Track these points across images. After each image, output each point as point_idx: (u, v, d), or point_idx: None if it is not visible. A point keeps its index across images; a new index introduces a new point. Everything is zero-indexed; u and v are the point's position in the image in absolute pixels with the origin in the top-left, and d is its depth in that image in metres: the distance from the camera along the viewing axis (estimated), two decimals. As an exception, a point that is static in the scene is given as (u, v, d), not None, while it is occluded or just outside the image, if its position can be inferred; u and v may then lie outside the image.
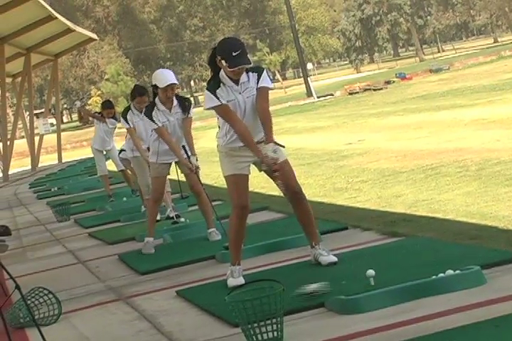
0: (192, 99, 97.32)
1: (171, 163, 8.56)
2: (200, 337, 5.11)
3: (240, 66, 5.86)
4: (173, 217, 10.07)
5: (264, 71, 6.14)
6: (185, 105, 8.26)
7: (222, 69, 5.98)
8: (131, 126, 10.31)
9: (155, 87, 8.12)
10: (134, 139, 10.44)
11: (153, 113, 8.07)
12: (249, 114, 6.05)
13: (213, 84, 5.99)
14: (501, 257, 5.57)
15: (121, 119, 10.51)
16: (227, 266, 6.29)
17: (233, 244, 6.30)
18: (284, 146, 6.16)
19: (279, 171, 6.04)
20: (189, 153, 8.27)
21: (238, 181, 6.29)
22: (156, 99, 8.17)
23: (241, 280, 6.01)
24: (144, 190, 10.57)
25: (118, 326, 5.83)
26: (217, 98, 5.93)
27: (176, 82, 8.12)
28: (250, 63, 5.94)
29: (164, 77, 8.09)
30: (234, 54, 5.81)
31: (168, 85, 8.03)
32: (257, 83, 6.00)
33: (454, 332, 4.21)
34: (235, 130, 5.99)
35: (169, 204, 10.57)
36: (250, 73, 6.05)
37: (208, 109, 6.06)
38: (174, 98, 8.19)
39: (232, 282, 6.07)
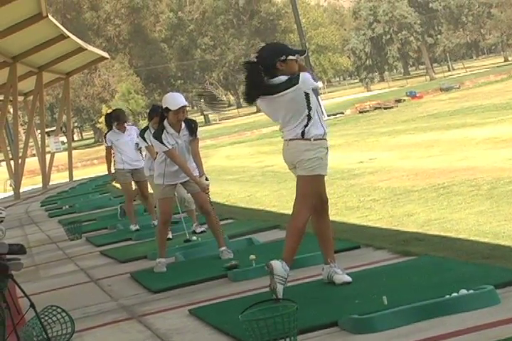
0: (202, 117, 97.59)
1: (176, 184, 8.59)
2: (213, 356, 5.10)
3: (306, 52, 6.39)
4: (201, 232, 10.41)
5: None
6: (191, 127, 8.34)
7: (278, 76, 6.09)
8: (150, 144, 10.49)
9: (166, 109, 8.19)
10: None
11: (163, 135, 8.14)
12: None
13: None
14: (515, 277, 5.56)
15: (139, 138, 11.24)
16: (240, 285, 6.27)
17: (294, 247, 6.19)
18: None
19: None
20: (199, 173, 8.33)
21: (323, 182, 6.31)
22: (165, 122, 8.24)
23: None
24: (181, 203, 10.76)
25: (131, 345, 5.83)
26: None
27: (187, 104, 8.19)
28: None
29: (175, 99, 8.17)
30: (290, 46, 6.39)
31: (181, 108, 8.10)
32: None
33: (468, 351, 4.20)
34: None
35: (195, 220, 10.72)
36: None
37: (316, 82, 6.35)
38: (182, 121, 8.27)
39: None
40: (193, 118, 8.71)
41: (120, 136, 12.18)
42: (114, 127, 12.22)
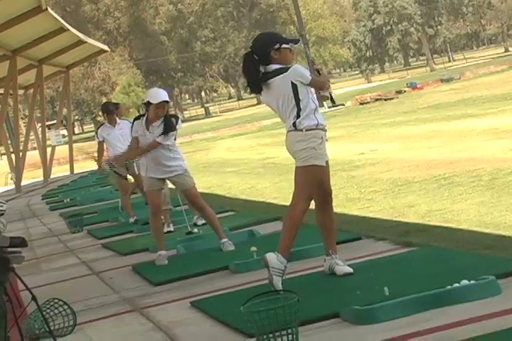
0: (203, 109, 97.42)
1: (162, 179, 8.58)
2: (215, 347, 5.11)
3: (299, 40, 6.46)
4: (202, 225, 10.34)
5: None
6: (169, 125, 8.33)
7: (272, 64, 6.16)
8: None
9: (147, 103, 8.24)
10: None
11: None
12: None
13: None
14: (516, 267, 5.56)
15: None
16: (242, 277, 6.27)
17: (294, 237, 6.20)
18: None
19: None
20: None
21: (320, 172, 6.23)
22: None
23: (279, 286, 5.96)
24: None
25: (133, 337, 5.84)
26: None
27: (168, 100, 8.24)
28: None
29: (158, 94, 8.27)
30: (283, 35, 6.48)
31: (161, 102, 8.14)
32: None
33: (470, 342, 4.21)
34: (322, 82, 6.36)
35: (195, 212, 10.69)
36: None
37: (312, 76, 6.22)
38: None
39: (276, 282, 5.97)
40: (176, 115, 8.81)
41: (111, 130, 12.22)
42: (105, 122, 12.32)
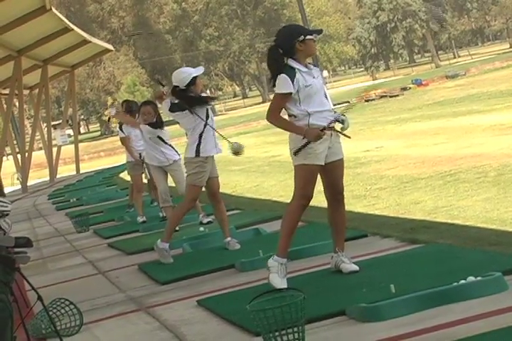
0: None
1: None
2: (221, 346, 5.11)
3: (321, 32, 6.37)
4: (207, 223, 10.43)
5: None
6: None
7: (290, 59, 6.10)
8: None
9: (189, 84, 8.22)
10: None
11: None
12: (322, 95, 6.22)
13: (289, 71, 6.08)
14: (522, 263, 5.55)
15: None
16: (247, 275, 6.27)
17: (288, 235, 6.21)
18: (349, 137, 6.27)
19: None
20: None
21: (315, 172, 6.15)
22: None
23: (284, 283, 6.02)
24: (161, 197, 10.51)
25: (139, 336, 5.84)
26: (293, 86, 6.04)
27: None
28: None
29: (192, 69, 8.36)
30: (306, 26, 6.17)
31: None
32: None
33: (476, 339, 4.20)
34: (271, 118, 6.13)
35: (200, 210, 10.69)
36: (312, 65, 6.29)
37: (280, 93, 6.09)
38: None
39: (278, 283, 5.99)
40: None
41: (131, 128, 12.19)
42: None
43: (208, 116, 8.29)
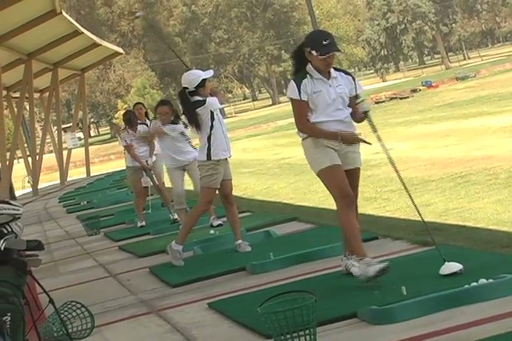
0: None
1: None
2: (233, 348, 5.11)
3: (330, 53, 6.00)
4: (217, 225, 10.42)
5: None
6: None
7: (309, 63, 6.07)
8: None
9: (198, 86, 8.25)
10: None
11: None
12: (337, 105, 6.09)
13: (300, 75, 6.07)
14: (534, 265, 5.53)
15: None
16: (258, 278, 6.25)
17: (352, 235, 6.09)
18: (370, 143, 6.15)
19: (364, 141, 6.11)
20: None
21: (337, 171, 6.08)
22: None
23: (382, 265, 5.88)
24: (175, 199, 10.56)
25: (151, 339, 5.84)
26: (299, 92, 6.01)
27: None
28: (340, 50, 6.18)
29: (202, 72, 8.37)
30: (324, 43, 5.98)
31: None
32: (355, 89, 6.18)
33: (489, 341, 4.19)
34: (299, 126, 6.07)
35: (212, 213, 10.69)
36: (342, 73, 6.21)
37: (290, 98, 6.14)
38: None
39: (378, 267, 5.84)
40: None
41: (133, 137, 12.26)
42: (127, 128, 12.34)
43: (213, 119, 8.27)
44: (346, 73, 6.26)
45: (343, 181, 6.05)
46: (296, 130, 6.20)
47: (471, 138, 17.25)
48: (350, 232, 6.06)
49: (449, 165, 13.18)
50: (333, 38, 6.08)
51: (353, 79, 6.24)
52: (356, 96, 6.24)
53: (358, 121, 6.25)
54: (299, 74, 6.09)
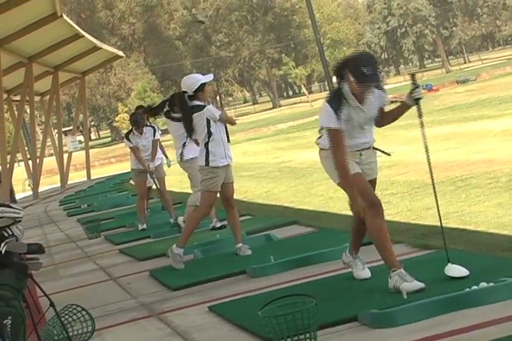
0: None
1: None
2: (233, 352, 5.11)
3: (366, 84, 5.67)
4: (219, 227, 10.48)
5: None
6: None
7: (346, 84, 5.74)
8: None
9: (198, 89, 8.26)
10: None
11: None
12: (363, 127, 5.91)
13: (337, 101, 5.74)
14: (535, 269, 5.53)
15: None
16: (259, 281, 6.25)
17: (381, 243, 5.87)
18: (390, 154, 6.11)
19: None
20: None
21: (359, 179, 5.90)
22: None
23: (418, 284, 5.54)
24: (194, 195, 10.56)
25: (151, 342, 5.84)
26: (338, 119, 5.70)
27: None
28: (378, 85, 5.81)
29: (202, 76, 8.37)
30: (365, 71, 5.59)
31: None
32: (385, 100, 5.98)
33: (489, 345, 4.18)
34: (335, 156, 5.76)
35: (214, 216, 10.67)
36: (374, 89, 5.85)
37: (323, 127, 5.86)
38: None
39: (412, 286, 5.51)
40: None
41: (139, 139, 12.27)
42: (133, 130, 12.33)
43: (209, 126, 8.22)
44: (378, 88, 5.90)
45: (369, 189, 5.92)
46: (316, 139, 6.08)
47: (471, 141, 17.24)
48: (384, 240, 5.86)
49: (450, 168, 13.17)
50: (375, 66, 5.66)
51: (384, 92, 5.95)
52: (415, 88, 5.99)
53: (409, 107, 6.02)
54: (335, 97, 5.78)
